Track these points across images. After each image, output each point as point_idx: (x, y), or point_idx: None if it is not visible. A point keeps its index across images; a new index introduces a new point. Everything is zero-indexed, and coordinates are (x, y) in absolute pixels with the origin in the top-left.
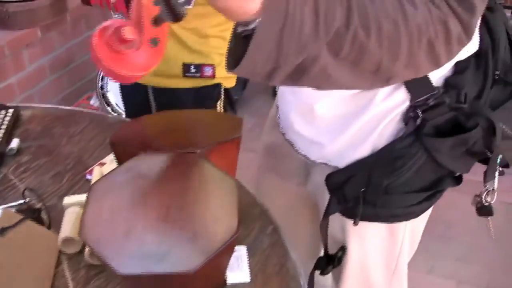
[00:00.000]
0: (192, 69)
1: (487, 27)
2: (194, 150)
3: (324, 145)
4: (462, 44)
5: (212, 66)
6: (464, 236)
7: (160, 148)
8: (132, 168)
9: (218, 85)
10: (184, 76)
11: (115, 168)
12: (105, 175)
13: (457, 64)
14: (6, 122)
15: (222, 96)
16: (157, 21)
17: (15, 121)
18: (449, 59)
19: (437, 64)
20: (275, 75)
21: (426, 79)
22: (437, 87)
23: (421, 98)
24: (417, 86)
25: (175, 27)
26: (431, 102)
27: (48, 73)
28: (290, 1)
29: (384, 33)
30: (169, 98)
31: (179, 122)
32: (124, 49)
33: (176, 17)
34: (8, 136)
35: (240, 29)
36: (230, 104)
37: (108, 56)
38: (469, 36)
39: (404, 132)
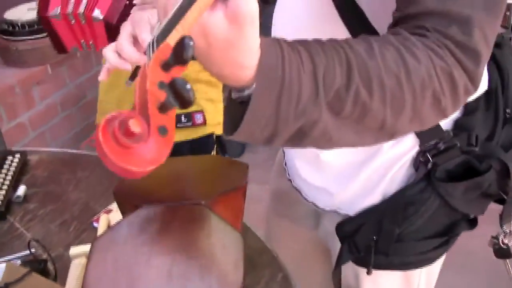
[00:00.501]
0: (183, 118)
1: (495, 64)
2: (198, 201)
3: (332, 193)
4: (469, 94)
5: (202, 112)
6: (484, 266)
7: (164, 199)
8: (135, 221)
9: (211, 135)
10: (176, 127)
11: (118, 222)
12: (108, 229)
13: (467, 105)
14: (13, 169)
15: (215, 144)
16: (163, 108)
17: (22, 167)
18: (455, 109)
19: (444, 116)
20: (274, 140)
21: None
22: (446, 131)
23: (431, 143)
24: (426, 131)
25: None
26: (442, 146)
27: (60, 110)
28: (286, 67)
29: (387, 90)
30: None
31: (183, 170)
32: (131, 143)
33: (184, 103)
34: (15, 183)
35: (235, 95)
36: (221, 148)
37: (115, 151)
38: (475, 86)
39: (415, 178)
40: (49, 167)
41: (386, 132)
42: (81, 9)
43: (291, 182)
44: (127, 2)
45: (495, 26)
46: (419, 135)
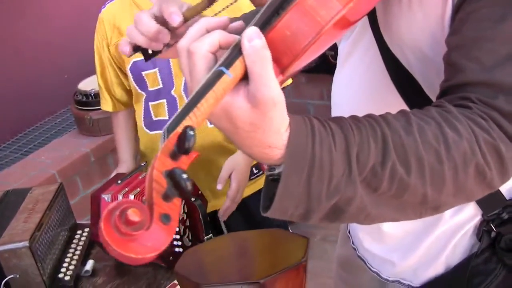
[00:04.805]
0: (254, 170)
1: None
2: (257, 281)
3: (395, 263)
4: None
5: None
6: None
7: (223, 277)
8: None
9: None
10: (250, 180)
11: None
12: None
13: None
14: (81, 243)
15: None
16: (167, 197)
17: (91, 241)
18: (504, 182)
19: (491, 189)
20: (310, 217)
21: (496, 193)
22: (510, 200)
23: (494, 212)
24: (487, 200)
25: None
26: (505, 216)
27: None
28: (316, 146)
29: (426, 165)
30: (242, 211)
31: (242, 247)
32: (131, 230)
33: (182, 192)
34: (84, 258)
35: (267, 173)
36: None
37: (116, 238)
38: None
39: (479, 247)
40: None
41: (429, 207)
42: None
43: (356, 251)
44: None
45: None
46: (480, 204)
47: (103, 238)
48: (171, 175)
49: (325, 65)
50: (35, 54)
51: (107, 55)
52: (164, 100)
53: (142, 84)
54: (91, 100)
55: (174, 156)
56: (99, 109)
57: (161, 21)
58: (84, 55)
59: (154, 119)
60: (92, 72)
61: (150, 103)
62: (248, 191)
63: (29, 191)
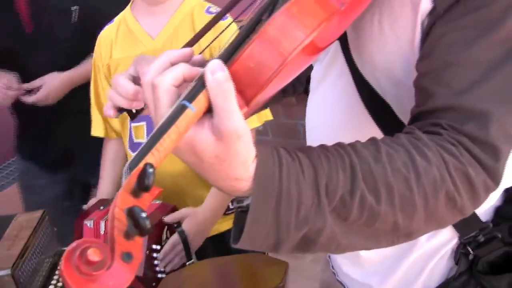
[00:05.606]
0: (231, 205)
1: None
2: None
3: (373, 287)
4: (490, 191)
5: None
6: None
7: None
8: None
9: None
10: (225, 214)
11: None
12: None
13: (507, 190)
14: None
15: None
16: (128, 235)
17: None
18: (476, 207)
19: (462, 215)
20: (279, 247)
21: (472, 215)
22: (486, 222)
23: (470, 235)
24: (463, 223)
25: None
26: (481, 238)
27: None
28: (284, 177)
29: (395, 193)
30: (217, 246)
31: (221, 272)
32: (93, 270)
33: (141, 231)
34: None
35: (235, 205)
36: None
37: (77, 280)
38: (496, 182)
39: (457, 271)
40: None
41: (401, 234)
42: None
43: (335, 275)
44: (147, 252)
45: None
46: (456, 227)
47: (64, 279)
48: (131, 213)
49: None
50: None
51: (102, 76)
52: (144, 123)
53: None
54: None
55: (135, 193)
56: None
57: (138, 81)
58: None
59: (135, 141)
60: None
61: (132, 124)
62: (225, 226)
63: (14, 218)
